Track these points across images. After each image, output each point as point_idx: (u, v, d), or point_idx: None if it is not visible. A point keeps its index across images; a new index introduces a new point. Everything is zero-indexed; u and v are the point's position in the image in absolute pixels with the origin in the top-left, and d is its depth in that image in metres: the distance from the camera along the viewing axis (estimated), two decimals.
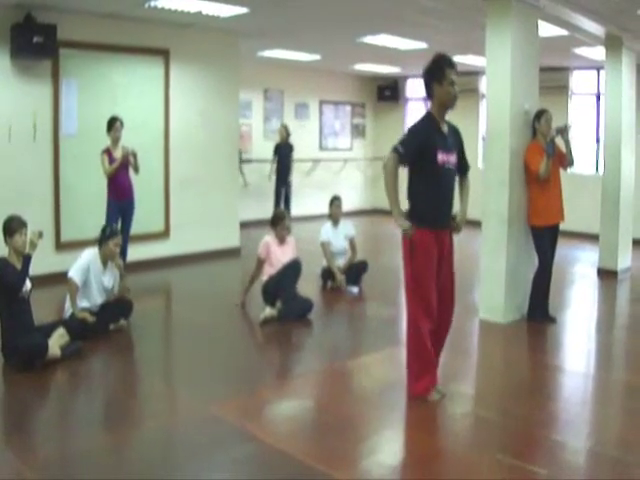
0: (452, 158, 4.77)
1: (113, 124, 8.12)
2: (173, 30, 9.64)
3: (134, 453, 4.18)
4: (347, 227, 8.71)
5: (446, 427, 4.64)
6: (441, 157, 4.67)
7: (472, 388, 5.23)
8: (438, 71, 4.68)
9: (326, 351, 6.28)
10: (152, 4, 8.13)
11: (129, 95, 9.31)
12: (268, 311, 6.91)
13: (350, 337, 6.87)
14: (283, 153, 13.29)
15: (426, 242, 4.67)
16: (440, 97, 4.71)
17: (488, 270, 7.04)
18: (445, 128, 4.80)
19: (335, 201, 8.67)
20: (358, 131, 16.66)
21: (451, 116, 4.87)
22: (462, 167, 4.99)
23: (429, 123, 4.77)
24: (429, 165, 4.66)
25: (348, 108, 16.35)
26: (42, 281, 7.23)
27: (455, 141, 4.88)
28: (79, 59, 8.77)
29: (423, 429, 4.58)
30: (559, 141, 6.89)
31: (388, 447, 4.35)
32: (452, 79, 4.66)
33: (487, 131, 7.11)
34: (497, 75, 6.86)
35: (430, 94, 4.77)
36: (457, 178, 4.94)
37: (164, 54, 9.69)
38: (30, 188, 8.38)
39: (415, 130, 4.76)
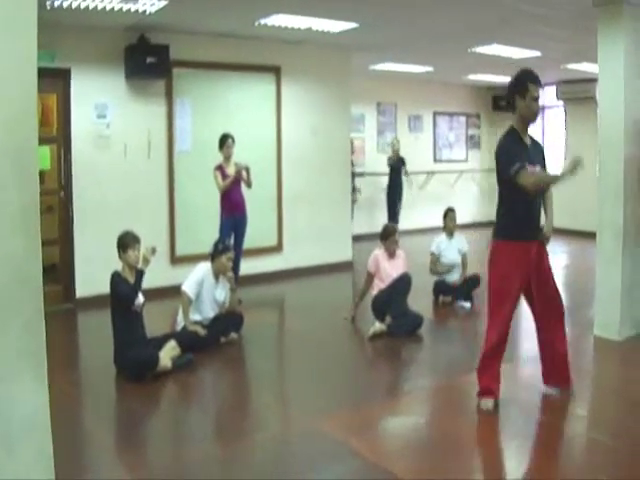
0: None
1: (225, 141, 8.18)
2: (284, 47, 9.76)
3: (242, 466, 4.20)
4: (461, 241, 8.54)
5: (557, 449, 4.43)
6: None
7: (585, 409, 5.01)
8: (521, 86, 4.74)
9: (436, 368, 6.16)
10: (262, 22, 8.25)
11: (241, 112, 9.47)
12: (378, 326, 6.86)
13: (461, 353, 6.67)
14: (395, 167, 13.22)
15: (507, 253, 4.77)
16: (522, 111, 4.77)
17: (603, 285, 6.73)
18: (528, 141, 4.84)
19: (450, 213, 8.51)
20: (473, 142, 16.38)
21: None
22: None
23: (513, 137, 4.80)
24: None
25: (463, 119, 16.11)
26: (157, 294, 7.48)
27: (538, 154, 4.89)
28: (191, 78, 9.01)
29: (534, 450, 4.42)
30: None
31: (497, 468, 4.21)
32: (535, 95, 4.71)
33: (600, 140, 6.81)
34: (610, 82, 6.61)
35: (513, 107, 4.80)
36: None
37: (275, 71, 9.82)
38: (145, 203, 8.64)
39: (505, 149, 4.77)
